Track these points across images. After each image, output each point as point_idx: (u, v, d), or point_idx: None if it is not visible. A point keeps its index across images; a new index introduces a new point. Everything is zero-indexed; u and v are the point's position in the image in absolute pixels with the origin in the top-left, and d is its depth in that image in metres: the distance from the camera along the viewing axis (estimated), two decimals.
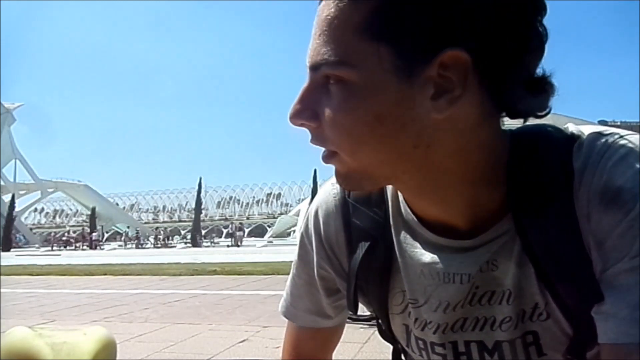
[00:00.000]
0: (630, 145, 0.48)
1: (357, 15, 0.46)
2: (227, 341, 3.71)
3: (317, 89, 0.49)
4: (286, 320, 0.74)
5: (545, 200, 0.50)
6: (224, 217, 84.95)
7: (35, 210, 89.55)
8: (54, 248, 37.71)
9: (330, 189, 0.67)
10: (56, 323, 4.65)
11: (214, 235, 61.06)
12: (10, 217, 45.20)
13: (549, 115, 0.52)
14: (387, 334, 0.67)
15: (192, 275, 9.42)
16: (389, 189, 0.62)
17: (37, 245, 46.50)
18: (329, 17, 0.47)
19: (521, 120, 0.52)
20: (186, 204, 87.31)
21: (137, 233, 47.38)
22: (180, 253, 22.25)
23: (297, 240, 0.72)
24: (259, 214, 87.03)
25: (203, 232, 54.29)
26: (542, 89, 0.49)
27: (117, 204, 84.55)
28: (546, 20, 0.48)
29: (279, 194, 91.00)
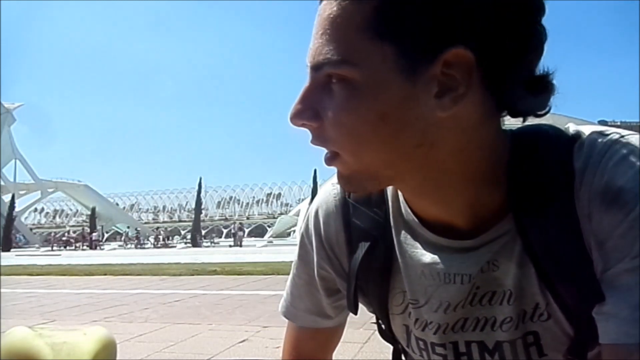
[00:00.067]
0: (630, 145, 0.48)
1: (360, 14, 0.46)
2: (227, 341, 3.71)
3: (319, 88, 0.49)
4: (286, 320, 0.74)
5: (546, 200, 0.50)
6: (224, 217, 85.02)
7: (35, 210, 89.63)
8: (54, 248, 37.71)
9: (330, 189, 0.67)
10: (56, 323, 4.65)
11: (214, 235, 61.15)
12: (10, 217, 45.20)
13: (549, 116, 0.52)
14: (387, 334, 0.67)
15: (192, 275, 9.41)
16: (389, 189, 0.62)
17: (37, 245, 46.53)
18: (332, 15, 0.47)
19: (520, 121, 0.52)
20: (186, 204, 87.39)
21: (137, 233, 47.42)
22: (180, 253, 22.26)
23: (297, 241, 0.72)
24: (259, 214, 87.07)
25: (203, 232, 54.32)
26: (543, 88, 0.49)
27: (117, 204, 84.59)
28: (546, 20, 0.48)
29: (279, 194, 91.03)
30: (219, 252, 21.23)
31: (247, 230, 54.95)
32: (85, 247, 38.06)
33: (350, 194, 0.64)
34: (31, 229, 70.36)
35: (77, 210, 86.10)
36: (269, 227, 64.67)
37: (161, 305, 5.67)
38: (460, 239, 0.55)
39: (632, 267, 0.45)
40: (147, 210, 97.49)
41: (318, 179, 43.50)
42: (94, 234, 41.60)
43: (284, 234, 51.04)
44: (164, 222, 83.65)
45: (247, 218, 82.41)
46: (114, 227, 67.53)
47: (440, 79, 0.46)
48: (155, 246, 38.15)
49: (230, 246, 30.67)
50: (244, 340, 3.73)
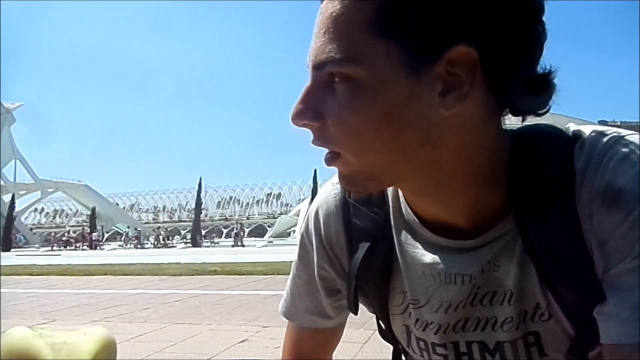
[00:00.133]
0: (631, 145, 0.48)
1: (364, 12, 0.46)
2: (227, 341, 3.70)
3: (321, 88, 0.49)
4: (286, 320, 0.74)
5: (546, 200, 0.50)
6: (224, 217, 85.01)
7: (35, 210, 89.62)
8: (54, 248, 37.67)
9: (330, 189, 0.67)
10: (56, 323, 4.64)
11: (214, 235, 61.07)
12: (10, 217, 45.19)
13: (548, 116, 0.52)
14: (388, 334, 0.67)
15: (192, 275, 9.41)
16: (390, 189, 0.62)
17: (37, 245, 46.50)
18: (334, 14, 0.47)
19: (520, 120, 0.52)
20: (186, 204, 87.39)
21: (137, 233, 47.37)
22: (180, 253, 22.24)
23: (297, 241, 0.71)
24: (259, 214, 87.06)
25: (203, 232, 54.25)
26: (543, 87, 0.49)
27: (117, 204, 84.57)
28: (546, 20, 0.48)
29: (279, 194, 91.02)
30: (219, 252, 21.22)
31: (247, 230, 54.99)
32: (85, 247, 38.02)
33: (351, 194, 0.64)
34: (31, 229, 70.32)
35: (77, 210, 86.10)
36: (269, 227, 64.63)
37: (161, 305, 5.67)
38: (460, 239, 0.55)
39: (633, 267, 0.45)
40: (147, 210, 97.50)
41: (318, 179, 43.52)
42: (94, 234, 41.56)
43: (284, 234, 50.99)
44: (164, 222, 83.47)
45: (247, 218, 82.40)
46: (114, 227, 67.47)
47: (445, 77, 0.46)
48: (155, 246, 38.08)
49: (232, 246, 30.65)
50: (244, 340, 3.73)
